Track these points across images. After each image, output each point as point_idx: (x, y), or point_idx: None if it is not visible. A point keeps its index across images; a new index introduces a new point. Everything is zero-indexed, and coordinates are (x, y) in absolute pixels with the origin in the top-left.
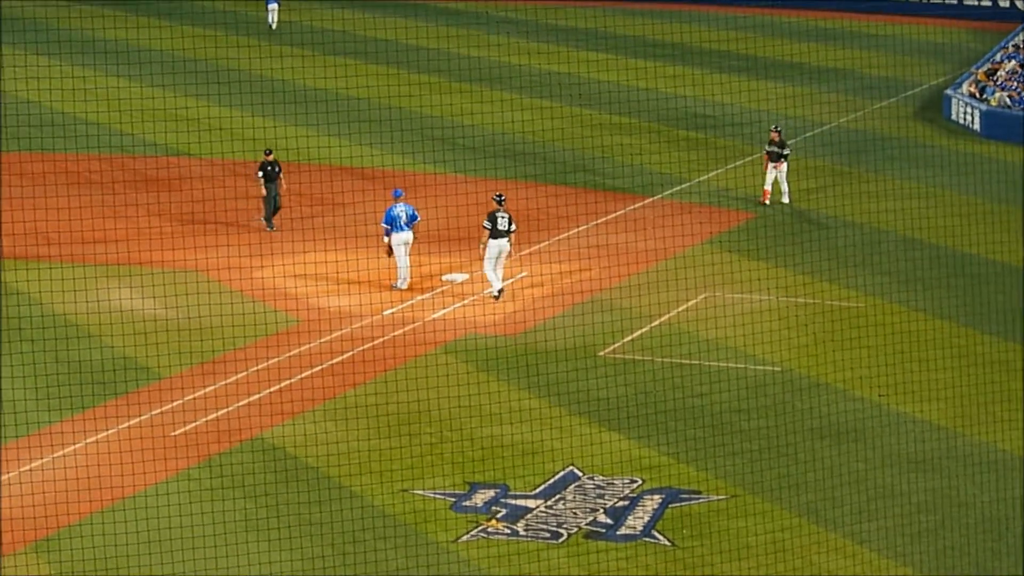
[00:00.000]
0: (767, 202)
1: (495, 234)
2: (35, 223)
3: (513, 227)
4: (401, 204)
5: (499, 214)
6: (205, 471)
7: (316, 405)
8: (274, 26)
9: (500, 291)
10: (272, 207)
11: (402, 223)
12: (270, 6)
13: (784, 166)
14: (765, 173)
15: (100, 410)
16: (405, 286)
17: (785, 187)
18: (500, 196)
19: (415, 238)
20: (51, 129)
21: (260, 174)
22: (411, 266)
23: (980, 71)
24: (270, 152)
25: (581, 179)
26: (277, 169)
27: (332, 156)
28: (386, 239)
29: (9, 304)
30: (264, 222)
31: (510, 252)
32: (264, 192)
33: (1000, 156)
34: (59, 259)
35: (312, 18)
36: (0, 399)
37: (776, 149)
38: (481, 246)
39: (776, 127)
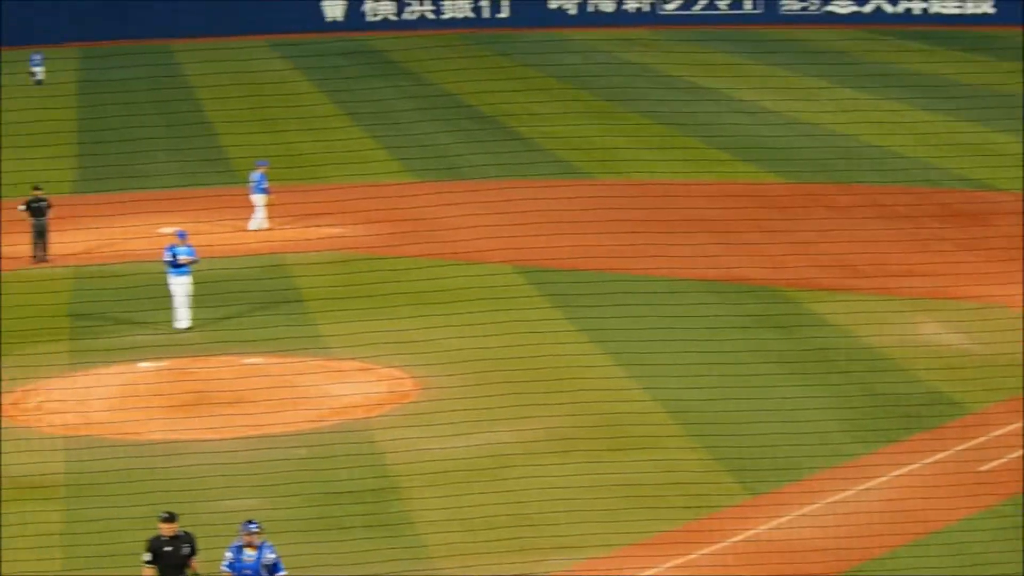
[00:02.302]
0: None
1: None
2: (845, 255)
3: None
4: None
5: None
6: (1013, 508)
7: None
8: None
9: None
10: None
11: None
12: None
13: None
14: None
15: (907, 444)
16: None
17: None
18: None
19: None
20: (861, 162)
21: None
22: None
23: None
24: None
25: None
26: None
27: None
28: None
29: (820, 335)
30: None
31: None
32: None
33: None
34: (869, 291)
35: None
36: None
37: None
38: None
39: None
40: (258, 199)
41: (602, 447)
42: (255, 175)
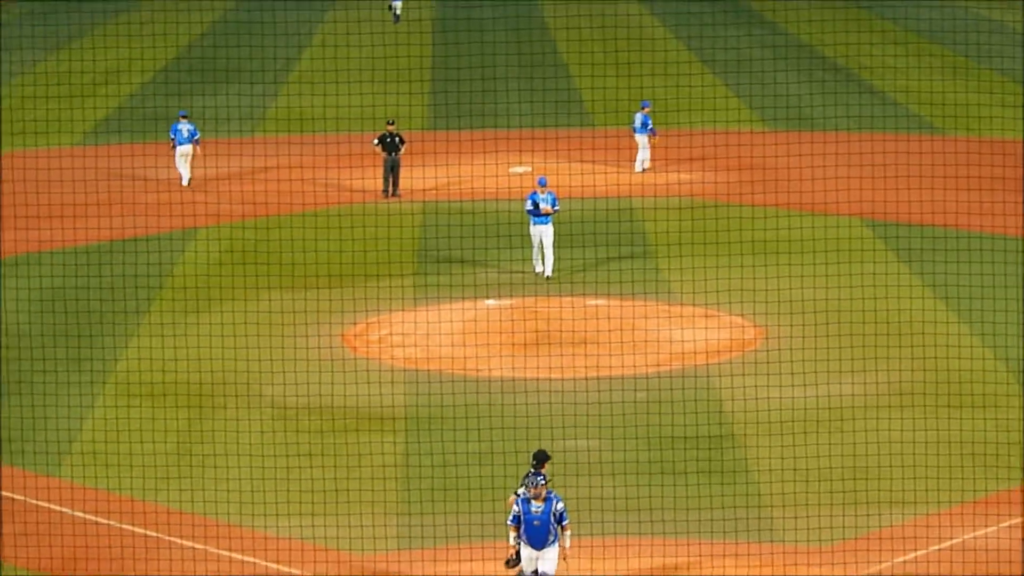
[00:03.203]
0: None
1: None
2: None
3: None
4: None
5: None
6: None
7: None
8: None
9: None
10: None
11: None
12: None
13: None
14: None
15: None
16: None
17: None
18: None
19: None
20: None
21: None
22: None
23: None
24: None
25: None
26: None
27: None
28: None
29: None
30: None
31: None
32: None
33: None
34: None
35: None
36: None
37: None
38: None
39: None
40: (641, 140)
41: (943, 403)
42: (639, 115)
